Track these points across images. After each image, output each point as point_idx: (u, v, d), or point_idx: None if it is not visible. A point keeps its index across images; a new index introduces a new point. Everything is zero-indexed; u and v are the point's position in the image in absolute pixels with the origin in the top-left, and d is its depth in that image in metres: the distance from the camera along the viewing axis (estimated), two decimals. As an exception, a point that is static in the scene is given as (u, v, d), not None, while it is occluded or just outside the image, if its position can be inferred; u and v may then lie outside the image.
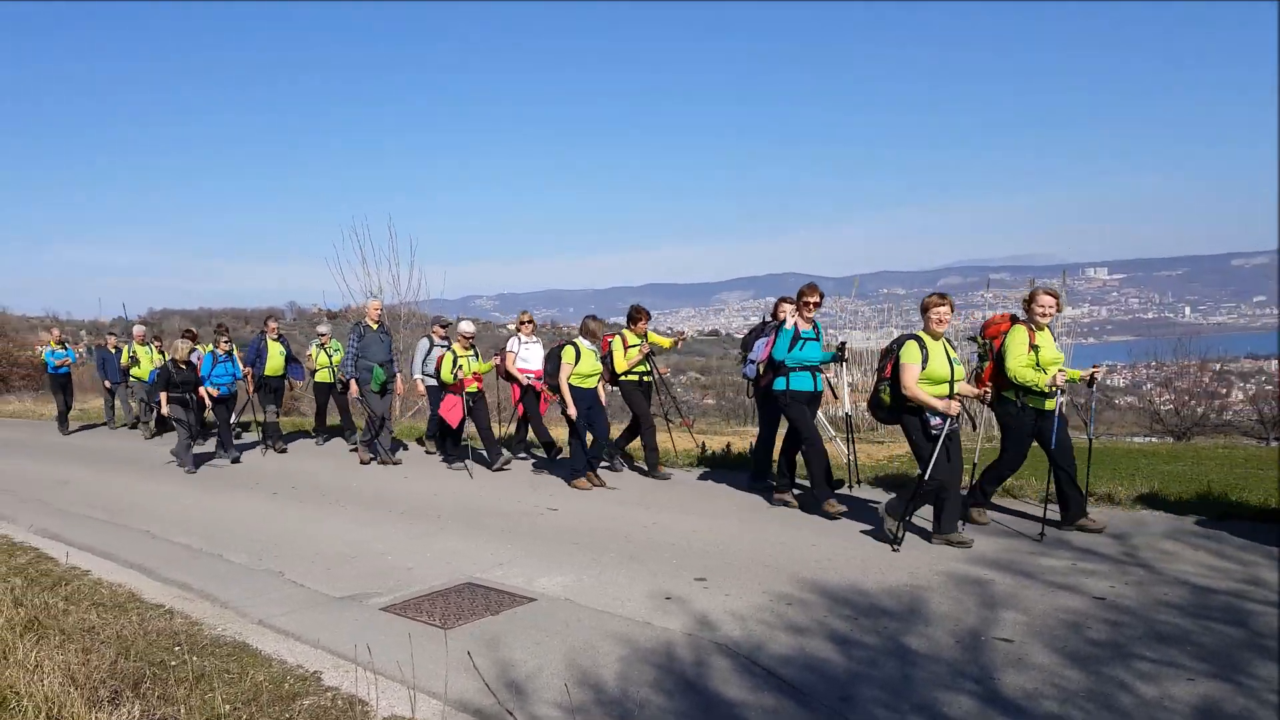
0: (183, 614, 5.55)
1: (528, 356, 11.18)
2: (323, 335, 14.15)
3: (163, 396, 11.81)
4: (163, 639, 5.01)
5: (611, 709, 4.03)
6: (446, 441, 11.57)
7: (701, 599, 5.54)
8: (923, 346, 6.56)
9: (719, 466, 10.53)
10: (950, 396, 6.53)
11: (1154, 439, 15.09)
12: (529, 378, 11.02)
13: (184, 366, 11.80)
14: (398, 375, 12.46)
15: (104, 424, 18.50)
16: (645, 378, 10.22)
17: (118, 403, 17.80)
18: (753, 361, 8.68)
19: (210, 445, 13.60)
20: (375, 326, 11.86)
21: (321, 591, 6.07)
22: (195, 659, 4.62)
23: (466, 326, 11.24)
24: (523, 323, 11.49)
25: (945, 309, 6.68)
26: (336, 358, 13.24)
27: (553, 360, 9.75)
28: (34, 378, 30.34)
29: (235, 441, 13.77)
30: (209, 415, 12.99)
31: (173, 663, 4.62)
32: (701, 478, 10.01)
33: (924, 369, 6.52)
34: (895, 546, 6.55)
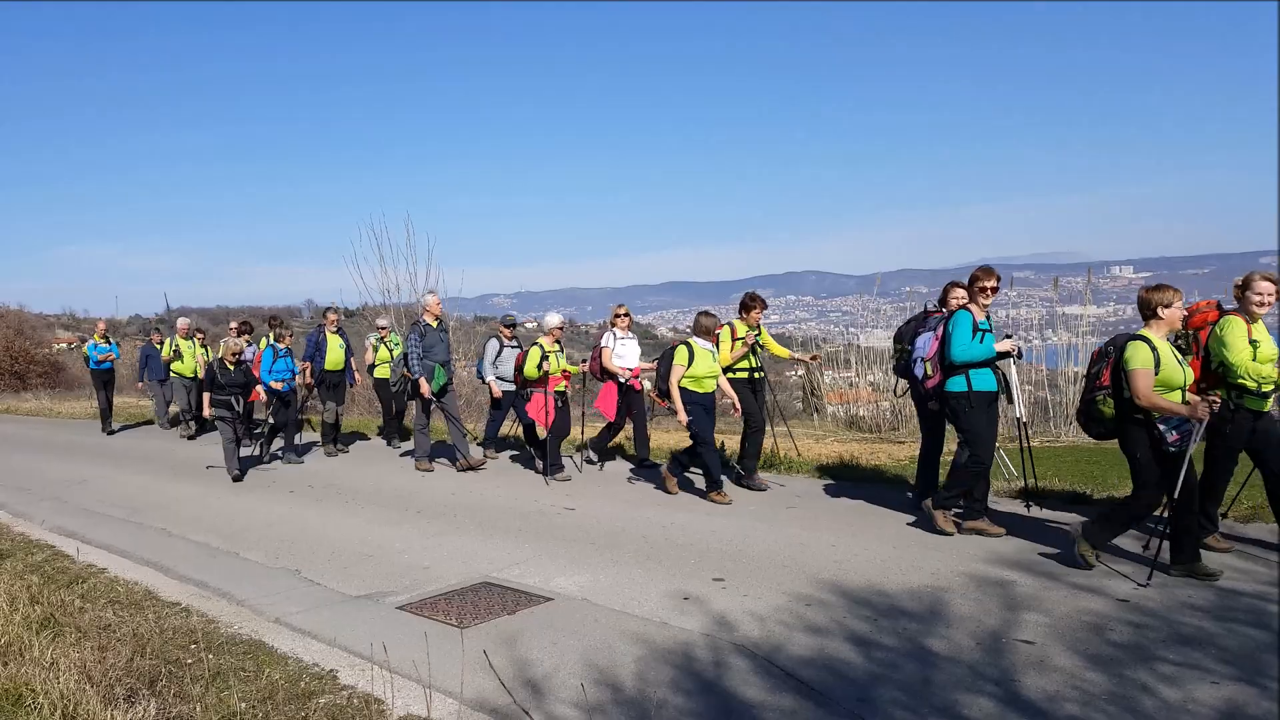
0: (199, 612, 5.55)
1: (624, 352, 10.41)
2: (383, 329, 13.51)
3: (205, 397, 10.98)
4: (179, 637, 5.01)
5: (629, 709, 4.00)
6: (533, 448, 10.70)
7: (720, 599, 5.50)
8: (1152, 348, 5.64)
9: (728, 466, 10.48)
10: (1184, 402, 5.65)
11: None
12: (627, 375, 10.33)
13: (232, 366, 10.95)
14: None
15: (147, 423, 17.74)
16: (756, 374, 9.29)
17: (152, 401, 17.09)
18: (921, 359, 7.28)
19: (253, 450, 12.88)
20: (435, 323, 11.07)
21: (338, 590, 6.07)
22: (211, 657, 4.62)
23: (554, 319, 10.50)
24: (618, 315, 10.66)
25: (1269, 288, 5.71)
26: (397, 352, 12.56)
27: (664, 361, 8.88)
28: (51, 376, 30.58)
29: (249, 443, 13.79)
30: (268, 417, 12.31)
31: (189, 661, 4.62)
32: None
33: (1156, 374, 5.64)
34: (1088, 568, 5.86)
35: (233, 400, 10.85)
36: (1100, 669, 4.26)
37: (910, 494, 8.21)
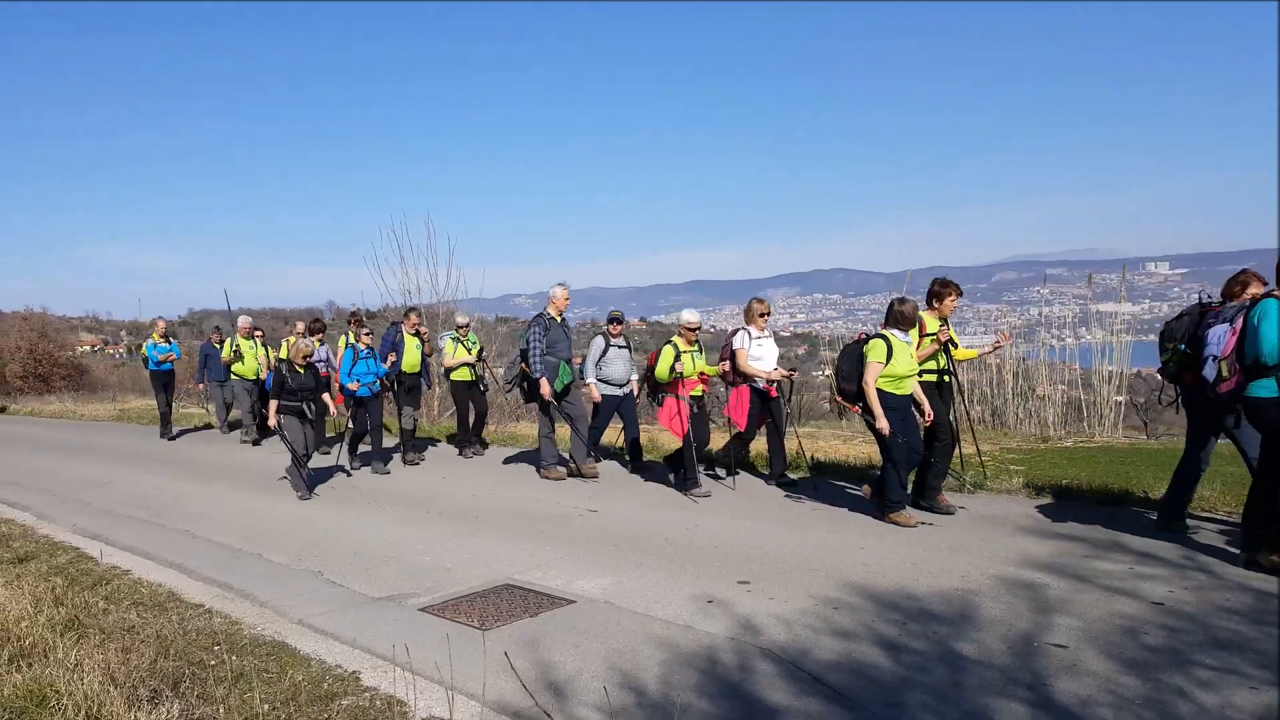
0: (222, 613, 5.55)
1: (761, 354, 9.29)
2: (461, 326, 12.48)
3: (272, 405, 9.86)
4: (202, 638, 5.00)
5: (653, 713, 3.95)
6: (656, 459, 10.07)
7: (745, 602, 5.43)
8: None
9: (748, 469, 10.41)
10: None
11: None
12: (759, 381, 9.24)
13: (301, 369, 9.95)
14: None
15: (207, 426, 17.13)
16: (945, 376, 7.91)
17: (212, 405, 16.46)
18: (1214, 357, 6.01)
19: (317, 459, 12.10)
20: (559, 318, 10.17)
21: (360, 591, 6.05)
22: (234, 658, 4.61)
23: (691, 316, 9.49)
24: (760, 315, 9.46)
25: None
26: (475, 351, 12.16)
27: (850, 360, 7.45)
28: (75, 378, 30.87)
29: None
30: (337, 421, 11.44)
31: (212, 662, 4.60)
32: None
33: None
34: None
35: (304, 407, 9.94)
36: (1135, 673, 4.17)
37: (1155, 517, 6.98)
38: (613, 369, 10.08)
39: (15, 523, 8.69)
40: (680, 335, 9.37)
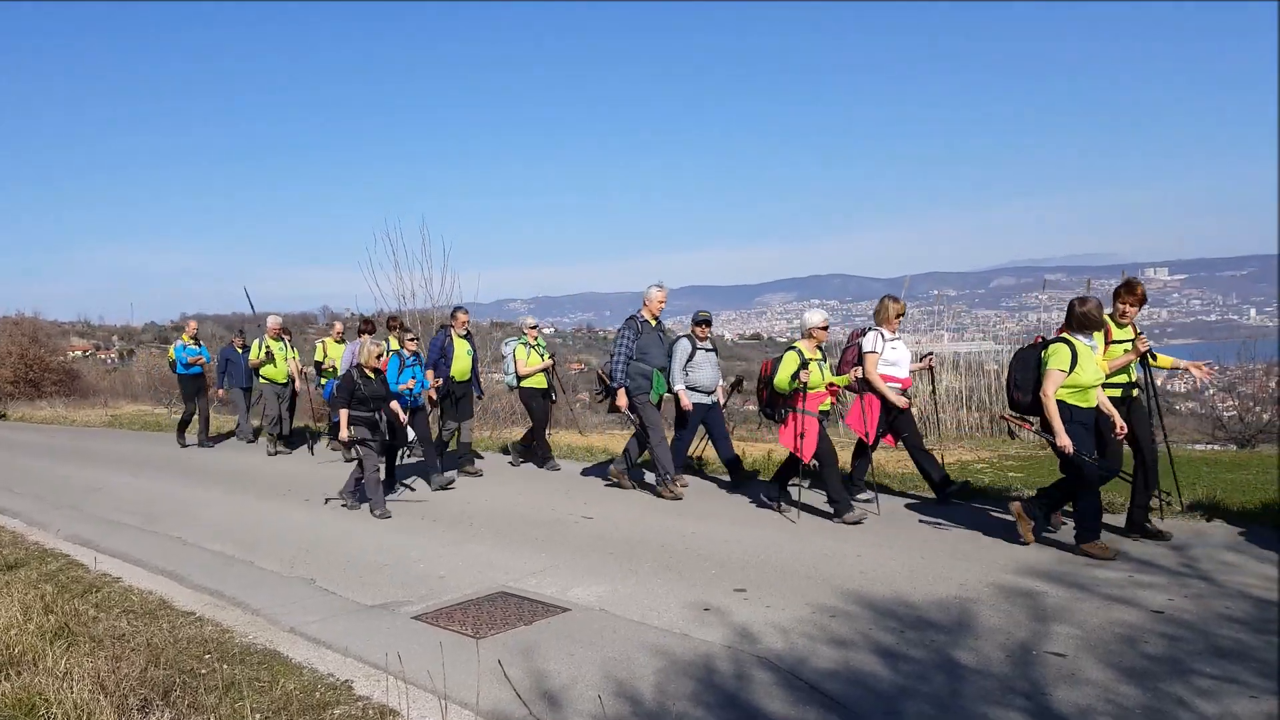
0: (213, 621, 5.51)
1: (896, 358, 8.19)
2: (530, 329, 11.38)
3: (343, 415, 8.79)
4: (193, 646, 4.96)
5: (649, 723, 3.92)
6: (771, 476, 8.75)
7: (741, 610, 5.40)
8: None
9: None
10: None
11: (1216, 446, 14.69)
12: (896, 388, 8.15)
13: (373, 375, 9.06)
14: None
15: (229, 435, 15.85)
16: (1134, 390, 6.88)
17: (238, 411, 15.12)
18: None
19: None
20: (654, 322, 9.31)
21: (353, 599, 6.01)
22: (225, 667, 4.58)
23: (817, 316, 8.05)
24: (895, 315, 8.30)
25: None
26: (547, 356, 11.24)
27: (1025, 367, 6.57)
28: (66, 383, 30.79)
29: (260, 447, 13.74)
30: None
31: (203, 671, 4.57)
32: (739, 486, 9.74)
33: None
34: None
35: (377, 417, 8.98)
36: (1134, 682, 4.15)
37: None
38: (700, 374, 9.25)
39: (5, 529, 8.63)
40: (804, 339, 7.99)
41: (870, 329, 8.35)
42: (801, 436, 7.72)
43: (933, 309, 16.23)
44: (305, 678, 4.52)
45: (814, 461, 7.80)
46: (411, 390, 9.92)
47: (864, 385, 8.12)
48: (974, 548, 6.66)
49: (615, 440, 13.10)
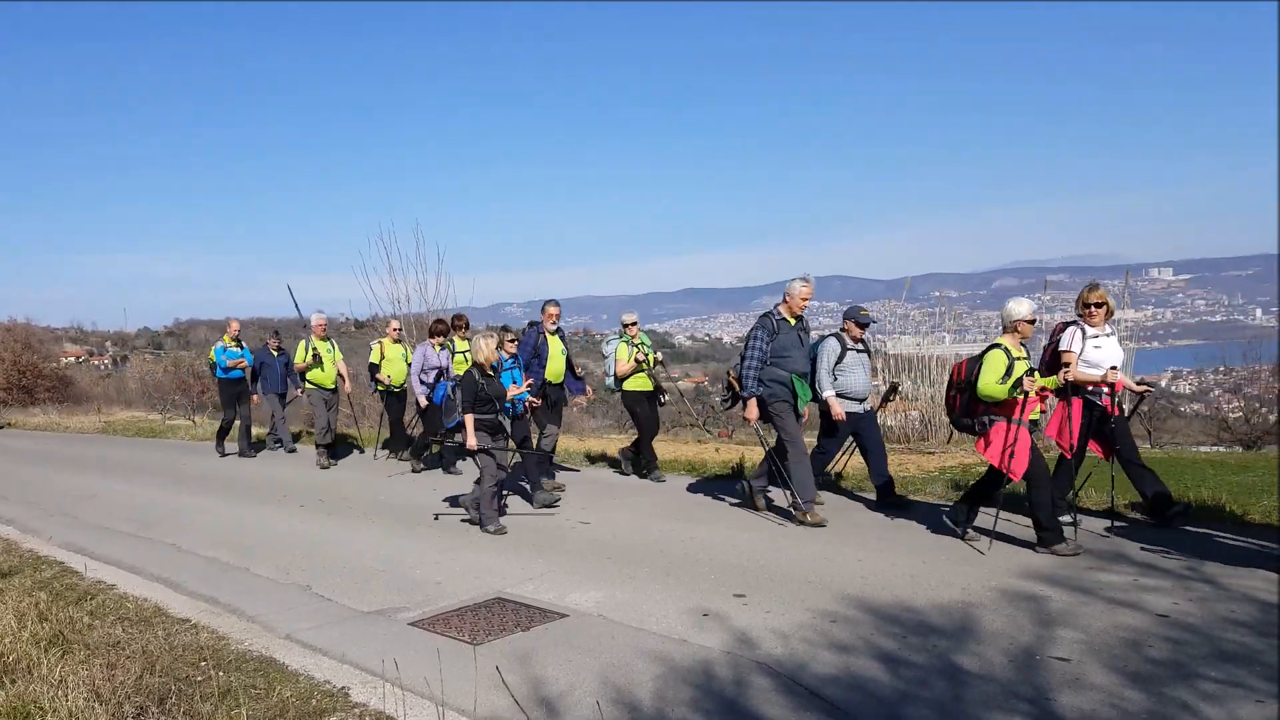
0: (209, 628, 5.46)
1: (1100, 358, 7.01)
2: (629, 325, 10.38)
3: (469, 420, 7.93)
4: (188, 654, 4.92)
5: (649, 729, 3.88)
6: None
7: (741, 616, 5.36)
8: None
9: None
10: None
11: (1222, 448, 14.65)
12: (1102, 393, 7.06)
13: (492, 374, 8.21)
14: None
15: (261, 443, 15.12)
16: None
17: (276, 418, 14.56)
18: None
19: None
20: (794, 321, 8.00)
21: (349, 606, 5.97)
22: (221, 674, 4.54)
23: (1023, 307, 6.72)
24: (1095, 305, 7.11)
25: None
26: (651, 355, 10.29)
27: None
28: (59, 390, 30.75)
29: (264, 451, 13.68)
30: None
31: (198, 678, 4.54)
32: (731, 490, 9.72)
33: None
34: None
35: (500, 419, 8.27)
36: (1139, 687, 4.11)
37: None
38: (852, 379, 8.21)
39: (-1, 536, 8.58)
40: (1008, 334, 6.73)
41: (1072, 324, 7.26)
42: (1012, 452, 6.52)
43: (933, 310, 16.17)
44: (301, 684, 4.48)
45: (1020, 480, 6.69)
46: (517, 396, 8.88)
47: (1071, 389, 7.10)
48: (975, 552, 6.62)
49: (611, 445, 13.04)
